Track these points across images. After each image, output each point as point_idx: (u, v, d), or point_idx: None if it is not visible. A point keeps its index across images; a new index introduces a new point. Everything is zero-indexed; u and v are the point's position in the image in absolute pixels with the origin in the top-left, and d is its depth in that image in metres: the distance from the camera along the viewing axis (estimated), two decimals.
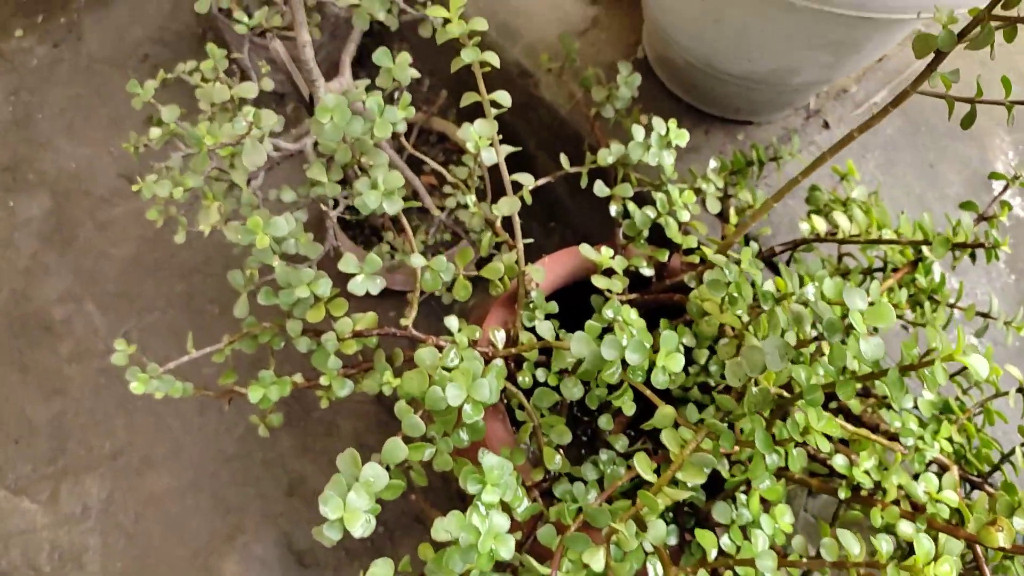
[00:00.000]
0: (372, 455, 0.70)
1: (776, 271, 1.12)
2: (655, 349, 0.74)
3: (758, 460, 0.67)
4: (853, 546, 0.62)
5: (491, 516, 0.63)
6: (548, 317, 0.94)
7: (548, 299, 0.96)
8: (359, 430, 1.39)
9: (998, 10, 0.61)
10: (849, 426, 0.72)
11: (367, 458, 0.66)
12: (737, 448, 0.71)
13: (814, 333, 0.63)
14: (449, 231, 1.31)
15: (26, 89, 1.71)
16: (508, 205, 0.86)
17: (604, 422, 0.88)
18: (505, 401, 0.94)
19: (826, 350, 0.63)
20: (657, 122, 0.94)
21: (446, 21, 0.80)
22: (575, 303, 0.98)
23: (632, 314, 0.83)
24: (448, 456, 0.83)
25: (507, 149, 0.88)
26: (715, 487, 0.83)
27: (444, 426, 0.84)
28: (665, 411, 0.73)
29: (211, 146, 0.78)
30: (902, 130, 1.40)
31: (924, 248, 0.93)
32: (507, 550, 0.62)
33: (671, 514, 0.87)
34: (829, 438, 0.82)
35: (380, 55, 0.87)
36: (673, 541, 0.84)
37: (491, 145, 0.84)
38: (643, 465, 0.71)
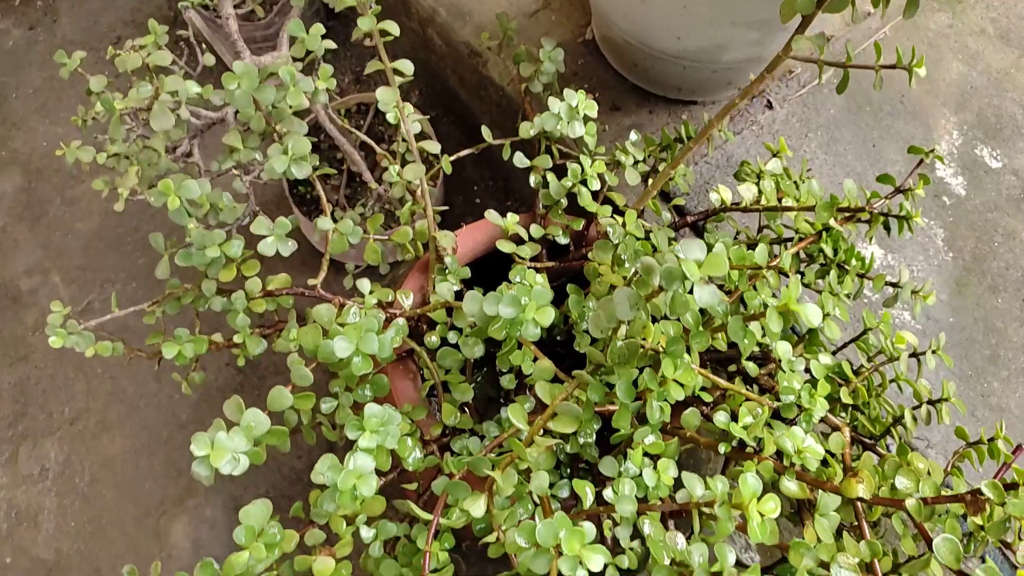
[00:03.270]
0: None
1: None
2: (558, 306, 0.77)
3: (623, 410, 0.70)
4: (696, 488, 0.65)
5: (355, 457, 0.67)
6: (466, 283, 0.97)
7: (471, 266, 0.99)
8: None
9: None
10: (720, 380, 0.75)
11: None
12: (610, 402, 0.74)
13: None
14: (391, 205, 1.35)
15: (1, 70, 1.76)
16: (413, 171, 0.89)
17: (507, 381, 0.91)
18: (417, 361, 0.97)
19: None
20: (568, 94, 0.97)
21: None
22: (503, 272, 1.01)
23: (538, 277, 0.86)
24: (349, 411, 0.86)
25: (416, 117, 0.91)
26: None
27: (347, 381, 0.87)
28: (543, 364, 0.76)
29: (121, 110, 0.82)
30: (845, 109, 1.41)
31: (830, 218, 0.95)
32: (368, 488, 0.66)
33: (568, 469, 0.90)
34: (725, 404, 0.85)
35: (293, 26, 0.90)
36: (565, 493, 0.87)
37: (396, 108, 0.87)
38: (517, 415, 0.74)
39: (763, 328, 0.62)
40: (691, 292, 0.60)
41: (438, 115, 1.72)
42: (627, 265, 0.80)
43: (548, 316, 0.71)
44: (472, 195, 1.64)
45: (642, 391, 0.70)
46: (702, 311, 0.69)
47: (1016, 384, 1.24)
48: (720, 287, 0.77)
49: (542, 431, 0.73)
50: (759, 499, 0.60)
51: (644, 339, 0.74)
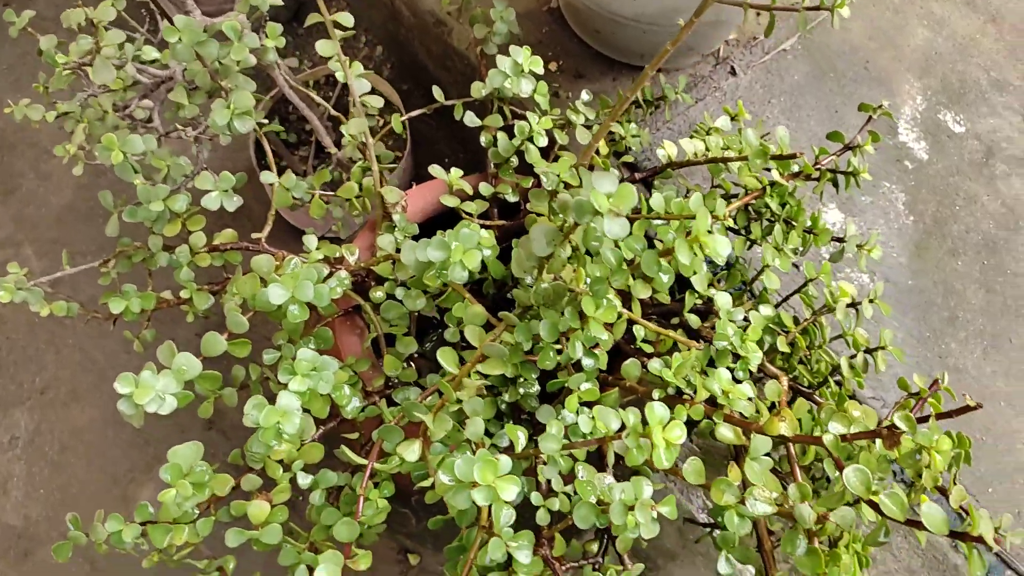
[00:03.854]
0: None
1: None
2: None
3: (546, 349, 0.71)
4: (612, 422, 0.65)
5: (281, 396, 0.68)
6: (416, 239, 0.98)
7: (424, 227, 1.00)
8: None
9: None
10: (650, 324, 0.75)
11: None
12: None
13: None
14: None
15: None
16: (356, 125, 0.90)
17: (450, 334, 0.92)
18: (364, 318, 0.98)
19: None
20: (513, 50, 0.98)
21: None
22: None
23: (483, 232, 0.87)
24: (290, 363, 0.87)
25: (359, 70, 0.92)
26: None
27: (290, 333, 0.88)
28: (475, 310, 0.77)
29: (65, 63, 0.82)
30: (808, 75, 1.41)
31: (774, 172, 0.96)
32: (291, 426, 0.67)
33: (510, 420, 0.91)
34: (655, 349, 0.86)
35: None
36: (506, 443, 0.87)
37: (339, 61, 0.88)
38: (447, 360, 0.75)
39: (673, 262, 0.63)
40: (602, 225, 0.60)
41: (409, 88, 1.72)
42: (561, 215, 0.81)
43: (474, 259, 0.72)
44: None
45: (567, 331, 0.71)
46: (626, 254, 0.70)
47: (973, 345, 1.25)
48: (653, 239, 0.77)
49: (472, 374, 0.74)
50: (665, 427, 0.61)
51: (569, 281, 0.74)
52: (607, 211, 0.59)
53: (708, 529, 0.92)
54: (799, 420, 0.83)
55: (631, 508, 0.65)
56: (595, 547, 0.87)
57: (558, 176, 0.81)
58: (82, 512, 0.82)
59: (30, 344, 1.47)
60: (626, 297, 0.88)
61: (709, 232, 0.62)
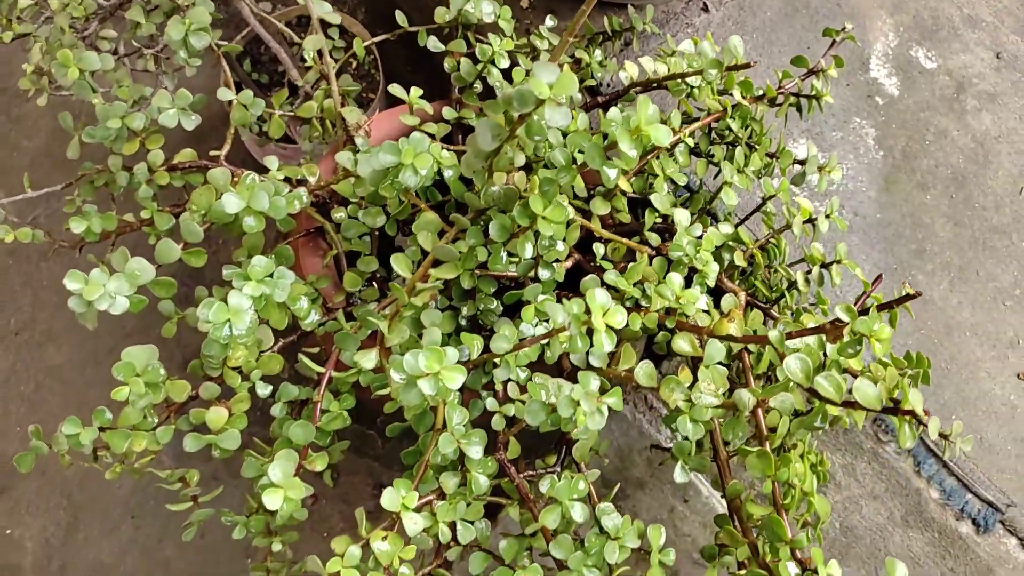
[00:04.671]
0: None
1: None
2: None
3: (496, 249, 0.71)
4: (559, 315, 0.66)
5: (231, 295, 0.68)
6: None
7: None
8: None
9: None
10: (598, 227, 0.76)
11: None
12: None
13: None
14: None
15: None
16: (312, 42, 0.90)
17: (411, 253, 0.92)
18: (327, 239, 0.98)
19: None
20: None
21: None
22: None
23: (444, 153, 0.87)
24: (244, 270, 0.87)
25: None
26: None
27: (249, 250, 0.89)
28: (427, 216, 0.77)
29: None
30: (781, 12, 1.41)
31: (736, 93, 0.96)
32: (241, 324, 0.67)
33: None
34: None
35: None
36: (466, 355, 0.88)
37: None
38: (401, 264, 0.75)
39: (621, 158, 0.63)
40: (543, 115, 0.61)
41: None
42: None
43: (425, 162, 0.72)
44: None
45: (516, 232, 0.72)
46: (572, 152, 0.70)
47: (940, 277, 1.26)
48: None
49: (425, 278, 0.74)
50: (605, 313, 0.62)
51: (522, 189, 0.75)
52: (548, 99, 0.60)
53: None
54: (754, 331, 0.84)
55: (578, 403, 0.66)
56: (553, 459, 0.88)
57: (511, 84, 0.81)
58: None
59: (5, 286, 1.47)
60: (587, 216, 0.88)
61: (650, 124, 0.62)
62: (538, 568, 0.79)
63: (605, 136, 0.78)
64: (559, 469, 0.85)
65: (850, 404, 0.59)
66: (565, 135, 0.68)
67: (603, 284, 0.84)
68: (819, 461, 0.90)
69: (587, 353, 0.79)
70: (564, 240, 0.78)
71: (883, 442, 1.18)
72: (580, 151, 0.71)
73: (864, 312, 0.65)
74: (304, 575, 1.06)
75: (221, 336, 0.67)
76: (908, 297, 0.63)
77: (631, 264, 0.81)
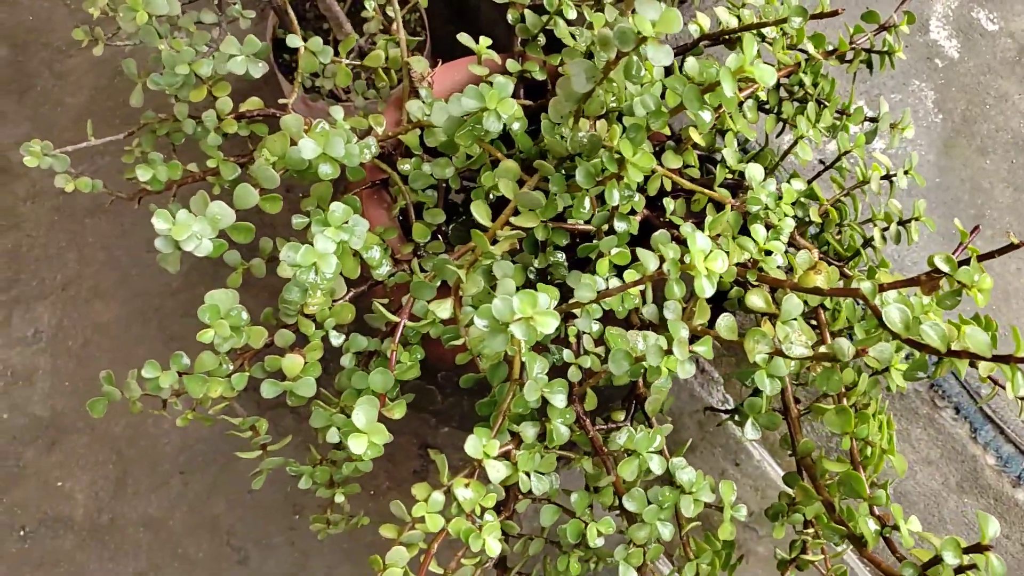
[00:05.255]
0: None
1: None
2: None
3: (580, 197, 0.70)
4: (651, 262, 0.65)
5: (317, 239, 0.67)
6: None
7: None
8: None
9: None
10: (682, 179, 0.75)
11: None
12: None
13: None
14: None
15: None
16: None
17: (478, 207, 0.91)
18: (391, 191, 0.97)
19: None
20: None
21: None
22: None
23: (513, 104, 0.85)
24: (324, 215, 0.87)
25: None
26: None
27: (318, 200, 0.88)
28: (507, 165, 0.76)
29: None
30: None
31: (809, 46, 0.94)
32: (328, 267, 0.66)
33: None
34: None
35: None
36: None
37: None
38: (479, 212, 0.74)
39: (720, 97, 0.61)
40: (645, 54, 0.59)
41: None
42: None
43: (509, 107, 0.71)
44: None
45: (603, 179, 0.70)
46: (668, 101, 0.69)
47: (1000, 243, 1.23)
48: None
49: (505, 226, 0.73)
50: (706, 257, 0.61)
51: (604, 139, 0.73)
52: (650, 37, 0.58)
53: (727, 415, 0.92)
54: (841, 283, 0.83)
55: (667, 352, 0.65)
56: (621, 416, 0.88)
57: (592, 30, 0.80)
58: (109, 404, 0.84)
59: (51, 242, 1.47)
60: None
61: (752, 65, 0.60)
62: (610, 520, 0.79)
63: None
64: (630, 424, 0.85)
65: (954, 353, 0.58)
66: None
67: (673, 239, 0.83)
68: (887, 422, 0.89)
69: (660, 308, 0.78)
70: (644, 191, 0.76)
71: (939, 408, 1.17)
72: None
73: (964, 262, 0.64)
74: (361, 529, 1.07)
75: (307, 280, 0.66)
76: (1011, 247, 0.62)
77: (707, 219, 0.80)
